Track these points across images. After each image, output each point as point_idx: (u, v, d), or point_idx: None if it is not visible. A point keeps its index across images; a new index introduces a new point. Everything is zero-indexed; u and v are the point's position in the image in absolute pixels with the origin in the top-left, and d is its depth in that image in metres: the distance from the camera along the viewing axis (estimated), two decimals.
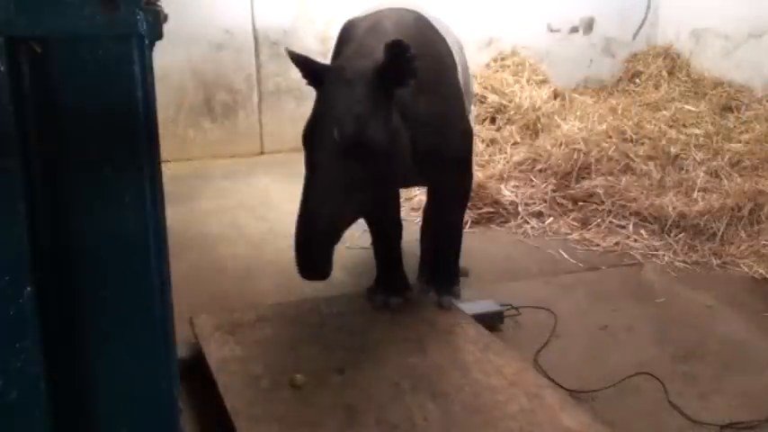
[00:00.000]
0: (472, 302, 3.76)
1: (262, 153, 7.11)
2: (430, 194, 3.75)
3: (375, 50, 2.90)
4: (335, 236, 2.77)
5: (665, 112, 6.78)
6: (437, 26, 3.48)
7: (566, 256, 4.77)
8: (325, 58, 6.89)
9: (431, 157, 3.13)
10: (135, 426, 1.35)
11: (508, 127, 6.56)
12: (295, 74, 7.11)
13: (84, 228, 1.24)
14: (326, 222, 2.68)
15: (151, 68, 1.32)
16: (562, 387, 3.17)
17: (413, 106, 3.01)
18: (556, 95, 7.09)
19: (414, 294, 3.64)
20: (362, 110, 2.72)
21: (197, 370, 3.17)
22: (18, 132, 1.17)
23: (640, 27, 8.19)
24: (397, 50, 2.71)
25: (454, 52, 3.48)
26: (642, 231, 5.02)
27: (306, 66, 2.95)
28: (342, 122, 2.68)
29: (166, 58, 5.55)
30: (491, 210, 5.27)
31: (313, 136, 2.78)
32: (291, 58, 2.94)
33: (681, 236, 4.90)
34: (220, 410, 2.86)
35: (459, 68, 3.51)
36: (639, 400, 3.24)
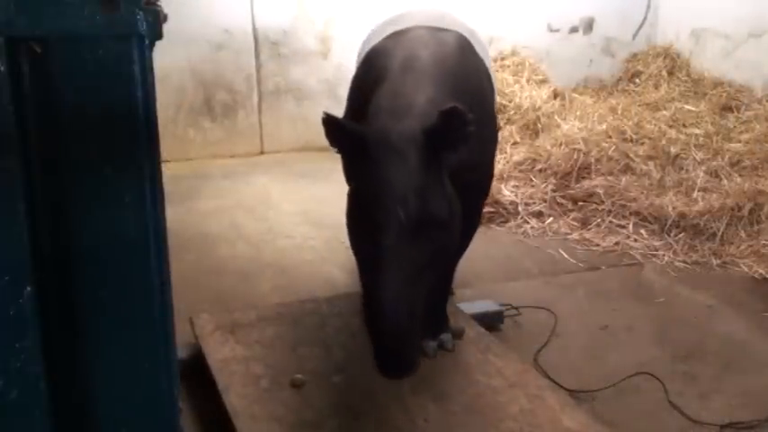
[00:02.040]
0: (472, 302, 3.76)
1: (261, 153, 7.11)
2: None
3: (414, 99, 2.63)
4: (416, 321, 2.43)
5: (664, 112, 6.78)
6: (477, 47, 3.19)
7: (566, 255, 4.77)
8: (325, 59, 6.97)
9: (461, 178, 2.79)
10: (135, 425, 1.35)
11: (508, 127, 6.55)
12: (295, 74, 7.16)
13: (84, 228, 1.24)
14: (412, 316, 2.36)
15: (151, 68, 1.32)
16: (562, 387, 3.17)
17: None
18: (556, 95, 7.08)
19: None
20: (421, 183, 2.42)
21: (197, 370, 3.17)
22: (18, 132, 1.17)
23: (640, 27, 8.19)
24: (452, 118, 2.42)
25: (491, 73, 3.24)
26: (642, 231, 5.02)
27: (344, 131, 2.54)
28: (405, 201, 2.37)
29: (166, 58, 5.55)
30: (491, 209, 5.27)
31: (372, 217, 2.42)
32: (325, 122, 2.52)
33: (681, 236, 4.90)
34: (220, 410, 2.86)
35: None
36: (640, 400, 3.24)
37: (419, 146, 2.45)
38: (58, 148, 1.23)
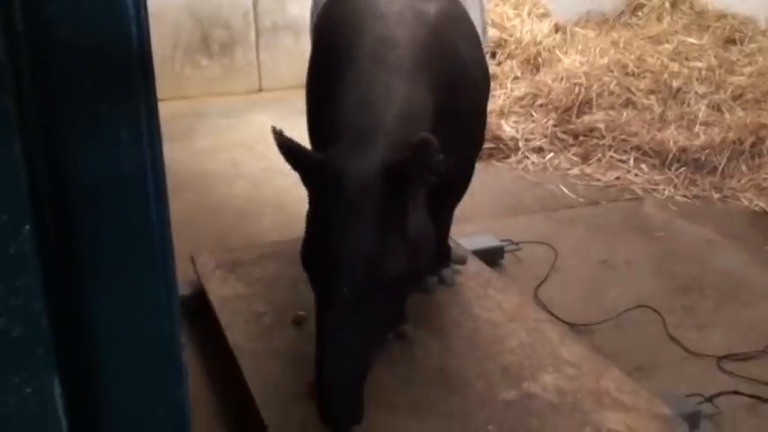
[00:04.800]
0: (472, 238, 3.78)
1: (260, 90, 7.05)
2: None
3: (384, 111, 2.31)
4: (364, 380, 2.24)
5: (667, 46, 6.70)
6: (469, 2, 2.82)
7: (566, 191, 4.77)
8: None
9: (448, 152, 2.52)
10: (138, 361, 1.36)
11: (509, 62, 6.48)
12: (292, 9, 7.04)
13: (81, 166, 1.23)
14: (355, 380, 2.19)
15: (145, 4, 1.30)
16: (562, 321, 3.20)
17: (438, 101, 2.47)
18: (557, 29, 6.98)
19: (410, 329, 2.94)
20: (375, 243, 2.14)
21: (200, 306, 3.20)
22: (11, 70, 1.16)
23: None
24: (420, 151, 2.10)
25: (484, 33, 2.95)
26: (643, 166, 5.01)
27: (296, 158, 2.27)
28: (351, 273, 2.12)
29: None
30: (491, 145, 5.24)
31: (316, 268, 2.24)
32: (279, 145, 2.28)
33: (682, 170, 4.90)
34: (223, 347, 2.89)
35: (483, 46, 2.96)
36: (638, 332, 3.28)
37: (378, 188, 2.15)
38: (51, 85, 1.22)
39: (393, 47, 2.45)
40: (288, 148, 2.26)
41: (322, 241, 2.21)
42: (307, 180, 2.29)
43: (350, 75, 2.43)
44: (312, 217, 2.28)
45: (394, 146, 2.19)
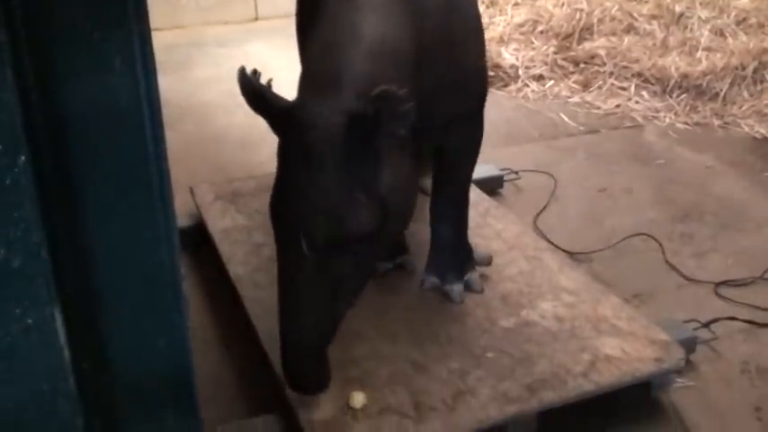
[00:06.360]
0: None
1: (256, 19, 6.94)
2: (438, 155, 2.84)
3: (351, 55, 2.10)
4: (327, 344, 2.18)
5: None
6: None
7: (566, 119, 4.74)
8: None
9: (443, 98, 2.41)
10: (139, 292, 1.37)
11: None
12: None
13: (74, 95, 1.22)
14: (314, 343, 2.13)
15: None
16: (561, 249, 3.21)
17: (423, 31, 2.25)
18: None
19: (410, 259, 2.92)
20: (334, 199, 2.00)
21: (199, 239, 3.21)
22: None
23: None
24: (380, 103, 1.93)
25: None
26: (644, 93, 4.97)
27: (261, 103, 2.07)
28: (309, 227, 1.99)
29: None
30: (491, 73, 5.18)
31: (278, 220, 2.11)
32: (241, 87, 2.08)
33: (683, 97, 4.85)
34: (224, 278, 2.91)
35: None
36: (637, 260, 3.29)
37: (341, 140, 1.98)
38: (42, 13, 1.19)
39: None
40: (253, 91, 2.07)
41: (283, 194, 2.09)
42: (274, 127, 2.11)
43: (320, 16, 2.25)
44: (278, 167, 2.13)
45: (364, 91, 1.98)
